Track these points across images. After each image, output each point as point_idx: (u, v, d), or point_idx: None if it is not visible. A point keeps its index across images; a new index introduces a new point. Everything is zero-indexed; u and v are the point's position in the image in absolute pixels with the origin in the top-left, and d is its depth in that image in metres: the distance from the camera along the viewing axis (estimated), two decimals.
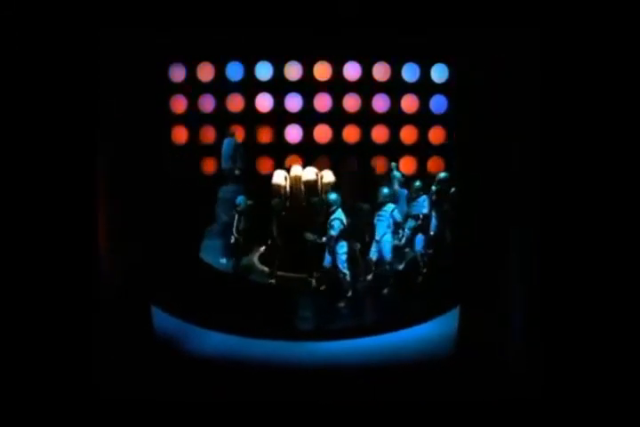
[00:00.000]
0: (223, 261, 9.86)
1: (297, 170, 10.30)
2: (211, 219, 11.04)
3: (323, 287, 8.95)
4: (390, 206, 9.02)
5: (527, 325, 6.67)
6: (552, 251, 5.94)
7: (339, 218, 8.63)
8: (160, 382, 6.55)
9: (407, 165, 13.24)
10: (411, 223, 9.31)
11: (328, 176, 10.18)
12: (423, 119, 13.26)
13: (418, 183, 9.77)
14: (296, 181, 9.99)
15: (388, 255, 9.05)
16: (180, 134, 13.13)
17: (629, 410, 5.52)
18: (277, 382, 6.66)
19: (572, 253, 5.83)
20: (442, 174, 9.59)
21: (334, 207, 8.70)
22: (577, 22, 5.89)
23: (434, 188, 9.81)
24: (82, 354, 6.01)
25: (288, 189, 10.02)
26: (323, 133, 13.32)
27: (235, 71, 13.10)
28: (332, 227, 8.59)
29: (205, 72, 13.05)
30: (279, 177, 10.08)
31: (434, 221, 9.64)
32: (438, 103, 13.31)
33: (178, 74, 12.99)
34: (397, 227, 9.04)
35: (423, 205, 9.44)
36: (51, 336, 5.90)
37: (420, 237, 9.36)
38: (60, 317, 5.98)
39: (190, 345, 7.34)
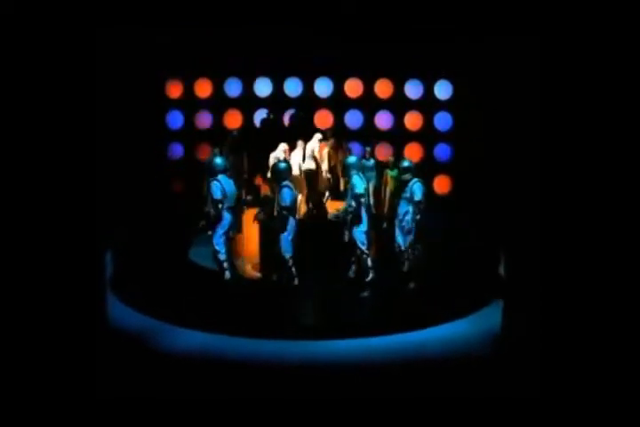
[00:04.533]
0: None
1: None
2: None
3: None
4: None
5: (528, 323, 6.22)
6: (552, 248, 5.54)
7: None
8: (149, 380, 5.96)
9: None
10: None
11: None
12: (428, 135, 12.93)
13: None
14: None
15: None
16: (177, 150, 12.80)
17: (629, 410, 5.07)
18: (284, 383, 5.97)
19: (572, 251, 5.43)
20: (405, 163, 8.62)
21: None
22: (577, 28, 5.61)
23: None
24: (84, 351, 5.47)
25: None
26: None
27: (233, 87, 12.81)
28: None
29: (203, 88, 12.76)
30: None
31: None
32: (443, 120, 12.99)
33: (175, 90, 12.69)
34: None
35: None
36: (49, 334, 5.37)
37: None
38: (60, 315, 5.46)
39: (174, 344, 6.69)
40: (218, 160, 8.55)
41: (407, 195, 8.43)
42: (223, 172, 8.47)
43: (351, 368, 6.32)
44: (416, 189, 8.36)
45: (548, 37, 5.77)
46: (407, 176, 8.48)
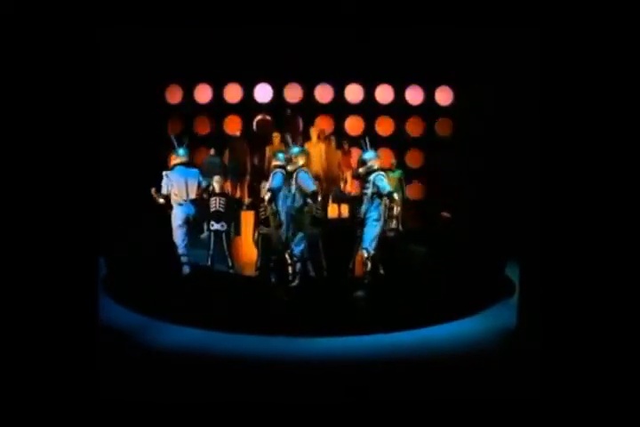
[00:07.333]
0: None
1: None
2: None
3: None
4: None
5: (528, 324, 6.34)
6: (553, 249, 5.49)
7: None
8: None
9: (414, 190, 12.77)
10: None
11: None
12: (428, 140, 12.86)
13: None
14: None
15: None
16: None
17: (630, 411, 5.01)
18: (280, 382, 5.84)
19: (573, 254, 5.38)
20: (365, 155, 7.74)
21: None
22: (578, 23, 5.57)
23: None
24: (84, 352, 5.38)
25: None
26: None
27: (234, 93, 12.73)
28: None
29: (203, 93, 12.68)
30: None
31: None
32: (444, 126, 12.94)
33: (174, 95, 12.59)
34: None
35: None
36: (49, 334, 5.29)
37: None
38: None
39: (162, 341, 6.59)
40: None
41: (366, 191, 7.59)
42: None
43: (354, 366, 6.15)
44: (378, 181, 7.45)
45: (547, 42, 5.75)
46: (364, 170, 7.63)
